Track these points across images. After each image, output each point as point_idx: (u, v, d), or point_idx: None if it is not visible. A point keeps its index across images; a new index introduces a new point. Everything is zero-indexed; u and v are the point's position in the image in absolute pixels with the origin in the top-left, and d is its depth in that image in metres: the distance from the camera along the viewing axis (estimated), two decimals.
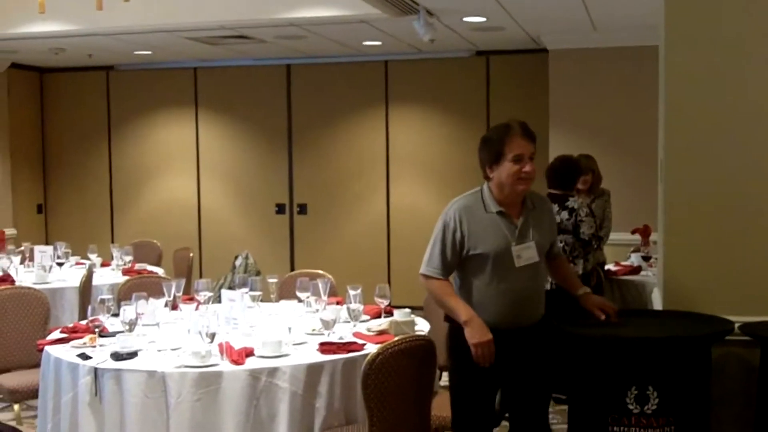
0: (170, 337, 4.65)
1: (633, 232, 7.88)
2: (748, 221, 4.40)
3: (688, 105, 4.46)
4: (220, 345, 4.24)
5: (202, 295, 5.25)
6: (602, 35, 9.57)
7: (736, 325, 4.22)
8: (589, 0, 7.87)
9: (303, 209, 11.57)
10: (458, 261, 4.15)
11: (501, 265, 4.10)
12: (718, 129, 4.41)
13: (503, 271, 4.11)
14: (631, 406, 4.01)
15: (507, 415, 4.59)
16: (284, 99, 11.56)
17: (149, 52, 10.82)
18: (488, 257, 4.08)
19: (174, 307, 5.32)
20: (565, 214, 6.58)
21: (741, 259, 4.43)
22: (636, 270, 7.36)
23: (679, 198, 4.51)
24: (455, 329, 4.21)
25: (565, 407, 5.00)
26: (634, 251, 7.78)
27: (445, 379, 6.35)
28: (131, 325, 4.56)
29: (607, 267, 7.36)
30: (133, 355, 4.30)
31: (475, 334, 4.06)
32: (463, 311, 4.11)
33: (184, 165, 11.91)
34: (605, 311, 4.33)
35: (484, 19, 8.74)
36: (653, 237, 7.27)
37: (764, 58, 4.35)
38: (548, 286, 6.61)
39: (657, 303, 4.91)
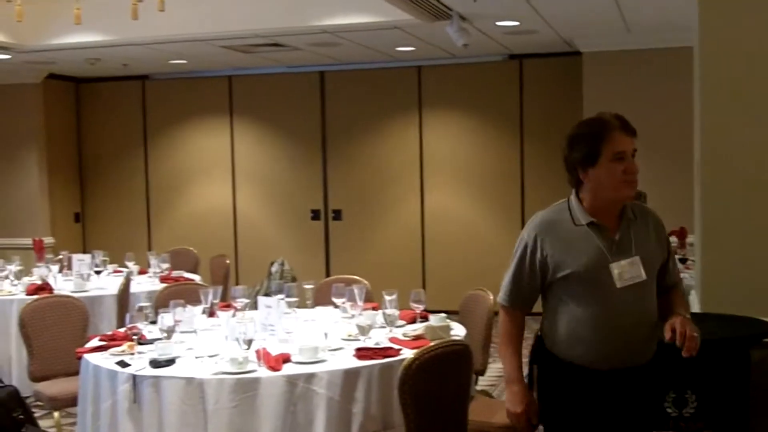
0: (208, 344, 4.68)
1: (669, 235, 7.81)
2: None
3: (724, 106, 4.42)
4: (257, 351, 4.25)
5: (239, 302, 5.28)
6: (636, 37, 9.52)
7: None
8: (622, 2, 7.83)
9: (338, 215, 11.59)
10: (539, 289, 3.44)
11: (597, 287, 3.32)
12: (755, 130, 4.38)
13: (600, 295, 3.33)
14: (669, 410, 3.98)
15: None
16: (318, 106, 11.60)
17: (184, 61, 10.90)
18: (579, 278, 3.32)
19: (211, 314, 5.35)
20: None
21: None
22: None
23: (716, 200, 4.48)
24: (544, 369, 3.50)
25: None
26: None
27: (481, 383, 6.36)
28: (169, 333, 4.58)
29: None
30: (171, 362, 4.32)
31: (509, 400, 3.50)
32: (507, 367, 3.50)
33: (220, 172, 11.98)
34: (675, 332, 3.26)
35: (517, 23, 8.73)
36: (689, 239, 7.21)
37: None
38: None
39: (695, 305, 4.87)
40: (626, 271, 3.34)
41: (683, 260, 7.42)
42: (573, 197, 3.46)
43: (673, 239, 7.75)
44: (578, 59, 10.06)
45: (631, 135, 3.40)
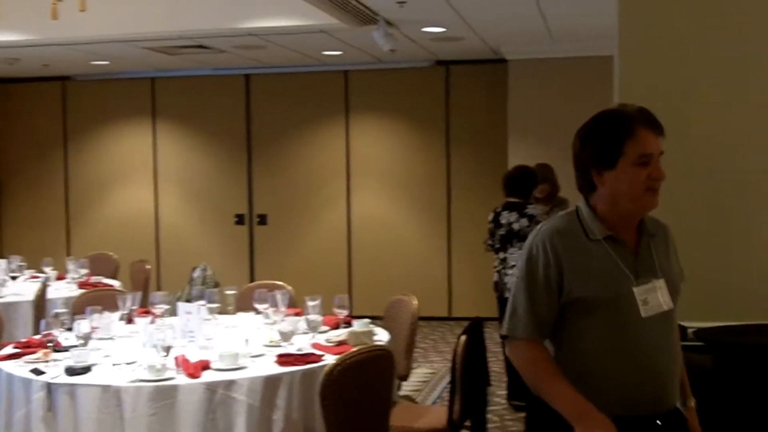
0: (125, 351, 4.58)
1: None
2: (697, 229, 4.42)
3: None
4: (176, 358, 4.19)
5: (159, 308, 5.19)
6: (560, 45, 9.65)
7: (690, 331, 4.23)
8: (547, 11, 7.92)
9: (263, 220, 11.52)
10: (558, 308, 2.75)
11: (618, 317, 2.71)
12: (670, 138, 4.43)
13: (622, 326, 2.71)
14: None
15: None
16: (243, 109, 11.52)
17: (106, 62, 10.73)
18: (596, 304, 2.70)
19: (129, 321, 5.26)
20: (524, 221, 6.65)
21: (691, 265, 4.43)
22: None
23: None
24: (548, 414, 2.77)
25: (524, 414, 4.99)
26: None
27: (405, 389, 6.37)
28: (85, 340, 4.49)
29: None
30: (87, 369, 4.23)
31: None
32: (569, 400, 2.69)
33: (142, 176, 11.81)
34: None
35: (443, 30, 8.77)
36: None
37: (716, 69, 4.38)
38: (508, 294, 6.70)
39: None
40: (652, 297, 2.74)
41: None
42: (583, 205, 2.84)
43: None
44: (504, 66, 10.16)
45: (659, 133, 2.80)
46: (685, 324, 4.26)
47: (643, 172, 2.73)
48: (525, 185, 6.84)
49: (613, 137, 2.75)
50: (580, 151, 2.83)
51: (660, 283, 2.77)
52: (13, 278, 7.51)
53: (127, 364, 4.34)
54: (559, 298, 2.74)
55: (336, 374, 3.91)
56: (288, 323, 4.72)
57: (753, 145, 4.39)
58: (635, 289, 2.72)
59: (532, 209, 6.72)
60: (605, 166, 2.75)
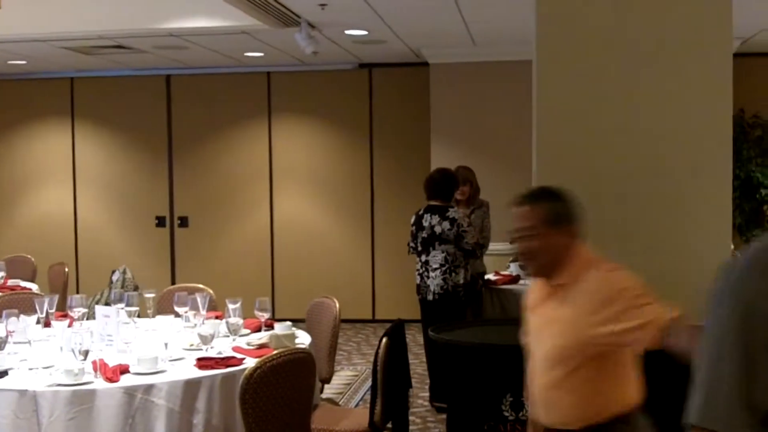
0: (42, 355, 4.51)
1: (512, 242, 7.98)
2: (613, 231, 4.50)
3: (558, 117, 4.56)
4: (94, 362, 4.14)
5: (76, 312, 5.11)
6: (481, 49, 9.76)
7: None
8: (467, 15, 8.00)
9: (184, 222, 11.42)
10: None
11: None
12: (586, 141, 4.53)
13: None
14: (506, 413, 4.06)
15: None
16: (164, 110, 11.41)
17: (23, 62, 10.54)
18: None
19: (47, 324, 5.18)
20: (446, 225, 6.70)
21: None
22: (515, 279, 7.47)
23: None
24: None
25: (445, 416, 5.04)
26: (513, 261, 7.90)
27: (327, 392, 6.37)
28: (1, 344, 4.42)
29: (486, 277, 7.47)
30: (3, 374, 4.16)
31: None
32: None
33: (60, 177, 11.62)
34: None
35: (365, 33, 8.80)
36: None
37: (629, 72, 4.48)
38: (430, 296, 6.75)
39: None
40: None
41: (525, 267, 7.60)
42: None
43: (516, 247, 7.92)
44: (426, 69, 10.23)
45: None
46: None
47: None
48: (446, 188, 6.89)
49: None
50: None
51: None
52: None
53: (45, 368, 4.27)
54: None
55: (256, 378, 3.90)
56: (208, 326, 4.69)
57: (663, 148, 4.48)
58: None
59: (453, 212, 6.78)
60: None
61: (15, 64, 10.68)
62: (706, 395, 1.75)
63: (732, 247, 4.83)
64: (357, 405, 7.29)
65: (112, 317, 4.85)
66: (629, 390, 3.11)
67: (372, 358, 4.74)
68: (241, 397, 3.88)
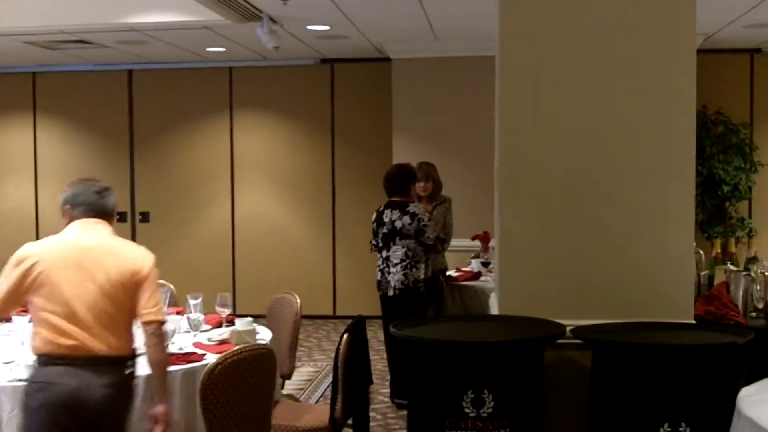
0: (3, 351, 4.50)
1: (473, 239, 8.05)
2: (578, 227, 4.54)
3: (520, 114, 4.58)
4: None
5: None
6: (443, 45, 9.78)
7: (568, 329, 4.33)
8: (430, 11, 8.02)
9: (145, 217, 11.36)
10: None
11: None
12: (549, 137, 4.55)
13: None
14: (467, 410, 4.07)
15: None
16: (126, 105, 11.33)
17: None
18: None
19: (7, 320, 5.13)
20: (407, 219, 6.72)
21: (571, 263, 4.57)
22: (476, 276, 7.51)
23: (512, 204, 4.62)
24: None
25: (406, 412, 5.06)
26: (474, 257, 7.95)
27: (288, 387, 6.38)
28: None
29: (448, 273, 7.50)
30: None
31: None
32: None
33: (22, 172, 11.52)
34: None
35: (327, 28, 8.79)
36: (492, 243, 7.44)
37: (592, 68, 4.51)
38: (391, 292, 6.77)
39: (494, 308, 5.02)
40: None
41: (486, 264, 7.65)
42: None
43: (477, 243, 7.99)
44: (388, 65, 10.24)
45: None
46: (564, 322, 4.39)
47: None
48: (404, 183, 6.90)
49: None
50: None
51: None
52: None
53: (5, 363, 4.27)
54: None
55: (217, 373, 3.90)
56: (169, 322, 4.68)
57: (626, 144, 4.52)
58: None
59: (413, 207, 6.79)
60: None
61: None
62: None
63: (694, 243, 4.88)
64: (318, 401, 7.30)
65: None
66: None
67: (333, 354, 4.75)
68: (202, 393, 3.88)
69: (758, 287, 5.06)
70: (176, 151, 11.28)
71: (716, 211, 9.95)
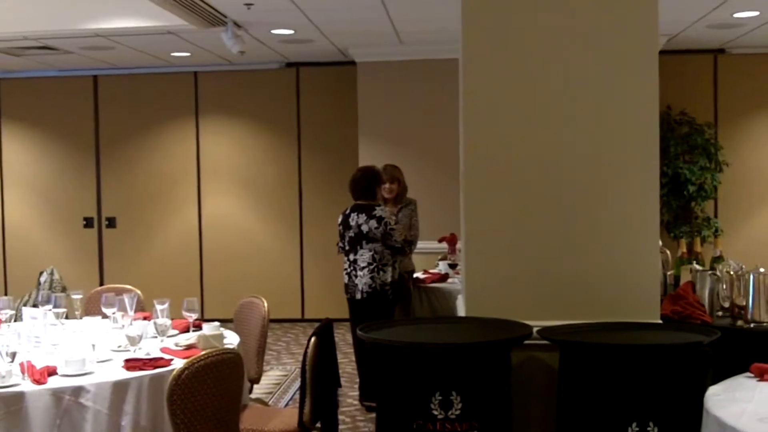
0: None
1: (440, 241, 8.10)
2: (542, 228, 4.58)
3: (484, 116, 4.61)
4: (21, 364, 4.10)
5: (3, 314, 5.08)
6: (408, 48, 9.83)
7: (535, 330, 4.37)
8: (394, 14, 8.06)
9: (112, 223, 11.32)
10: None
11: None
12: (513, 139, 4.59)
13: None
14: (435, 412, 4.10)
15: None
16: (91, 110, 11.29)
17: None
18: None
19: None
20: (373, 223, 6.74)
21: (536, 265, 4.61)
22: (443, 278, 7.55)
23: (477, 206, 4.65)
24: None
25: (375, 415, 5.08)
26: (441, 259, 7.99)
27: (256, 392, 6.38)
28: None
29: (415, 275, 7.54)
30: None
31: None
32: None
33: None
34: None
35: (292, 32, 8.81)
36: (459, 245, 7.49)
37: (555, 70, 4.54)
38: (359, 295, 6.79)
39: (461, 310, 5.05)
40: None
41: (453, 266, 7.70)
42: None
43: (444, 245, 8.03)
44: (353, 68, 10.27)
45: None
46: (530, 323, 4.43)
47: None
48: (368, 186, 6.92)
49: None
50: None
51: None
52: None
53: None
54: None
55: (184, 378, 3.90)
56: (136, 327, 4.68)
57: (590, 145, 4.56)
58: None
59: (380, 210, 6.82)
60: None
61: None
62: None
63: (660, 243, 4.93)
64: (287, 405, 7.31)
65: (39, 319, 4.82)
66: None
67: (301, 358, 4.76)
68: (169, 398, 3.88)
69: (724, 286, 5.11)
70: (142, 156, 11.25)
71: (682, 211, 10.04)
